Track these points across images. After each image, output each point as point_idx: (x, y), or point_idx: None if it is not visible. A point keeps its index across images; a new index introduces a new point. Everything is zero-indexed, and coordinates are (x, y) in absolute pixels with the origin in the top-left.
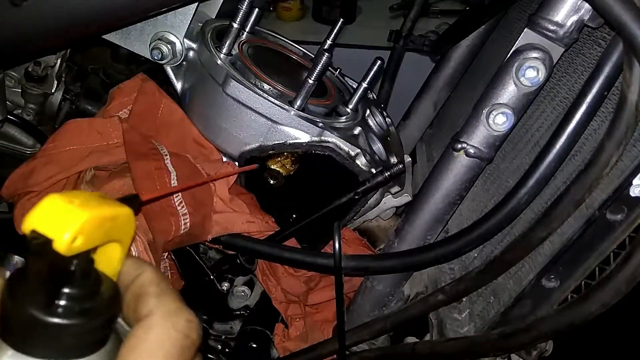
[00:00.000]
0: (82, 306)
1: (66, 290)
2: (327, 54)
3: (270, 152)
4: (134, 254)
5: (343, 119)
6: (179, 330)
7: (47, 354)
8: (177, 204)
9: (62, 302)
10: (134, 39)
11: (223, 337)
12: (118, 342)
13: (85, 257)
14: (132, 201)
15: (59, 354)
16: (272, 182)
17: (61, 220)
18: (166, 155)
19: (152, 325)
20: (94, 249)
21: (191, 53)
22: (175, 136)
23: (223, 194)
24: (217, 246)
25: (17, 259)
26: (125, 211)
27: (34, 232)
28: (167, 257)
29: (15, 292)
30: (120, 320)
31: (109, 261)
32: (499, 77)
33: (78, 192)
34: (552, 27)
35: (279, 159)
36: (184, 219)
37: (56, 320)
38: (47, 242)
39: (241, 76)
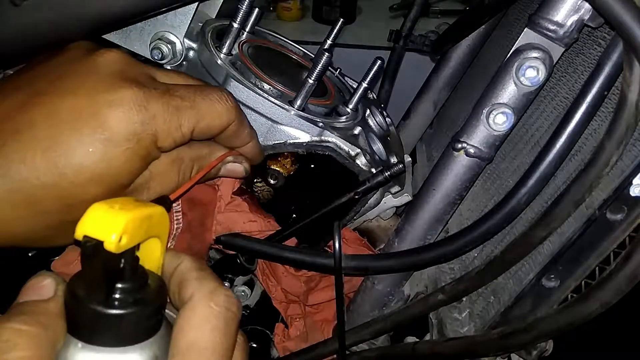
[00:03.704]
0: (134, 297)
1: (119, 285)
2: (327, 54)
3: (270, 152)
4: None
5: (343, 119)
6: (220, 305)
7: (110, 342)
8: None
9: (118, 296)
10: (134, 39)
11: None
12: (169, 327)
13: (131, 255)
14: (163, 201)
15: (120, 341)
16: (272, 182)
17: (107, 223)
18: None
19: (195, 305)
20: (138, 248)
21: (191, 53)
22: None
23: (226, 194)
24: (217, 246)
25: None
26: (159, 210)
27: (85, 237)
28: None
29: (76, 292)
30: (168, 310)
31: (152, 257)
32: (499, 77)
33: (117, 198)
34: (552, 27)
35: (279, 159)
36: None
37: (115, 311)
38: (98, 244)
39: (241, 76)
